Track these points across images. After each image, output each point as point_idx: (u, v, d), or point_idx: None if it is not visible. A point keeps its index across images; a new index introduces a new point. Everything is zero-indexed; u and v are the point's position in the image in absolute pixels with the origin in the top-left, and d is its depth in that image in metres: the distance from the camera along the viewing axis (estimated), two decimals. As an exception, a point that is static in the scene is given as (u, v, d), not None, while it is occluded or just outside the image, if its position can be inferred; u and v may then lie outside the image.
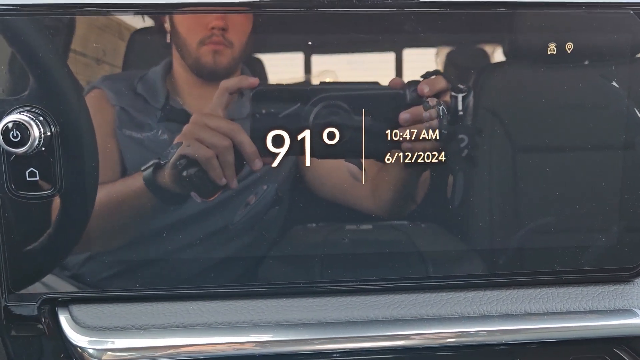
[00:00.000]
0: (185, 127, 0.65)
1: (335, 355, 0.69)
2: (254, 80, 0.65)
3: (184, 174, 0.66)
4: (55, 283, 0.67)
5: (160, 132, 0.65)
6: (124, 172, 0.65)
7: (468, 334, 0.69)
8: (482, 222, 0.70)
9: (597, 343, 0.72)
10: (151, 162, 0.65)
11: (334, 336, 0.68)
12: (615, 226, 0.72)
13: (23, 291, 0.67)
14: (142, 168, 0.65)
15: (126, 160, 0.65)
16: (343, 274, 0.70)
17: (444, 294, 0.72)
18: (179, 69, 0.65)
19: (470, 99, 0.67)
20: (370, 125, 0.67)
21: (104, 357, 0.65)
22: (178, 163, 0.66)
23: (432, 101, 0.67)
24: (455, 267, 0.71)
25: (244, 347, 0.67)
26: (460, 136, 0.68)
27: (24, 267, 0.67)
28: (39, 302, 0.67)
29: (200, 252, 0.68)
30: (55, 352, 0.68)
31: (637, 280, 0.75)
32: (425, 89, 0.66)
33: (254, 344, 0.67)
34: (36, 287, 0.67)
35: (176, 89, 0.65)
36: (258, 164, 0.67)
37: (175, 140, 0.65)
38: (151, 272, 0.68)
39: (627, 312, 0.72)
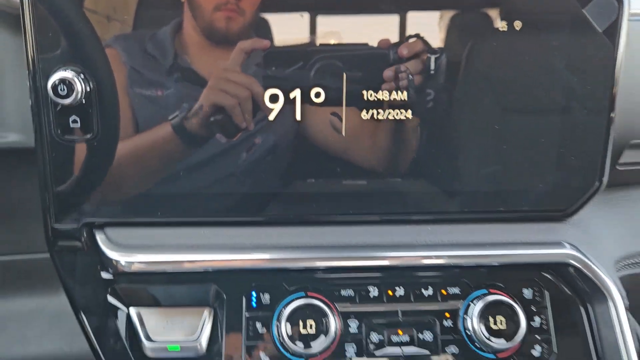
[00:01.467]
0: (211, 81, 0.79)
1: (319, 271, 0.86)
2: (266, 43, 0.79)
3: (211, 119, 0.81)
4: (92, 211, 0.83)
5: (179, 88, 0.80)
6: (151, 121, 0.80)
7: (428, 257, 0.86)
8: (441, 169, 0.85)
9: (531, 268, 0.89)
10: (177, 113, 0.80)
11: (319, 255, 0.85)
12: (551, 175, 0.87)
13: (67, 216, 0.84)
14: (170, 117, 0.80)
15: (151, 111, 0.80)
16: (329, 208, 0.86)
17: (410, 226, 0.88)
18: (190, 30, 0.78)
19: (439, 63, 0.81)
20: (349, 86, 0.81)
21: (132, 267, 0.82)
22: (205, 111, 0.80)
23: (405, 66, 0.80)
24: (420, 205, 0.87)
25: (244, 264, 0.84)
26: (426, 95, 0.82)
27: (67, 198, 0.83)
28: (80, 225, 0.84)
29: (211, 187, 0.84)
30: (92, 265, 0.85)
31: (568, 220, 0.91)
32: (404, 51, 0.80)
33: (253, 261, 0.84)
34: (77, 214, 0.83)
35: (188, 50, 0.79)
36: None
37: (204, 92, 0.79)
38: (171, 204, 0.84)
39: (558, 244, 0.88)
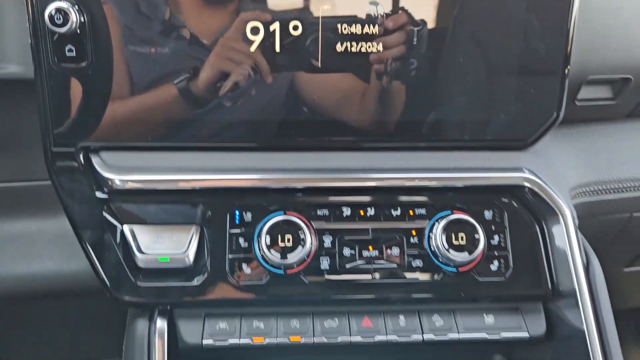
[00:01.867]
0: (216, 48, 0.86)
1: (297, 192, 0.94)
2: (267, 16, 0.85)
3: (218, 84, 0.88)
4: (87, 135, 0.90)
5: (170, 21, 0.86)
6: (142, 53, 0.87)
7: (398, 179, 0.94)
8: (410, 100, 0.92)
9: (492, 191, 0.96)
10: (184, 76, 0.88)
11: (297, 177, 0.93)
12: (512, 107, 0.94)
13: (64, 140, 0.91)
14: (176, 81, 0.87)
15: (139, 37, 0.87)
16: (308, 134, 0.93)
17: (381, 153, 0.95)
18: None
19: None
20: (325, 20, 0.87)
21: (125, 186, 0.90)
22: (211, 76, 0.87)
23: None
24: (390, 134, 0.94)
25: (228, 183, 0.92)
26: (396, 29, 0.89)
27: (64, 123, 0.89)
28: (77, 148, 0.91)
29: (200, 115, 0.91)
30: (89, 185, 0.93)
31: (528, 149, 0.98)
32: None
33: (237, 181, 0.92)
34: (74, 138, 0.90)
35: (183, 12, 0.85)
36: (270, 78, 0.89)
37: (210, 58, 0.86)
38: (161, 129, 0.91)
39: (517, 169, 0.96)
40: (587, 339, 0.90)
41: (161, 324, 0.91)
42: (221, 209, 0.94)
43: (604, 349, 0.90)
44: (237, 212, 0.93)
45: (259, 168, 0.93)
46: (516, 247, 0.95)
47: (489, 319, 0.96)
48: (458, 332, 0.94)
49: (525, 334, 0.95)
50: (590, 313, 0.91)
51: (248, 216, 0.93)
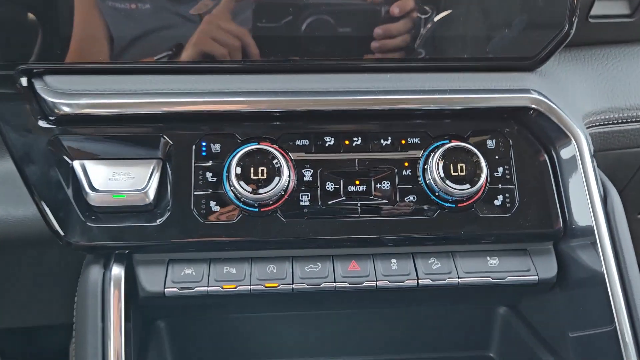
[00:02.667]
0: (201, 27, 0.76)
1: (272, 119, 0.82)
2: None
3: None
4: (29, 56, 0.78)
5: None
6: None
7: (387, 101, 0.82)
8: (407, 15, 0.80)
9: (495, 117, 0.84)
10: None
11: (274, 99, 0.80)
12: (518, 20, 0.82)
13: (2, 62, 0.78)
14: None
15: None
16: (294, 53, 0.81)
17: (372, 74, 0.83)
18: None
19: None
20: None
21: (75, 111, 0.78)
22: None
23: None
24: (385, 51, 0.82)
25: (193, 107, 0.79)
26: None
27: (1, 45, 0.77)
28: (17, 71, 0.78)
29: (161, 31, 0.79)
30: (32, 113, 0.80)
31: (537, 70, 0.86)
32: None
33: (203, 104, 0.79)
34: (13, 59, 0.78)
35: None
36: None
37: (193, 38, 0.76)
38: (115, 48, 0.78)
39: (524, 90, 0.84)
40: (607, 282, 0.78)
41: (118, 270, 0.79)
42: (185, 139, 0.81)
43: (626, 294, 0.79)
44: (203, 144, 0.81)
45: (228, 91, 0.81)
46: (523, 180, 0.84)
47: (493, 261, 0.84)
48: (458, 277, 0.82)
49: (534, 277, 0.83)
50: (609, 252, 0.80)
51: (216, 147, 0.81)
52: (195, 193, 0.80)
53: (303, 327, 0.97)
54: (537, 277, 0.83)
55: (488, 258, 0.84)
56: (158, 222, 0.79)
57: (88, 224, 0.79)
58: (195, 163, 0.81)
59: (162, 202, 0.80)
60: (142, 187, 0.80)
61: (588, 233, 0.82)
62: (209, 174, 0.80)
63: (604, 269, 0.80)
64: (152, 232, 0.79)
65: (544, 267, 0.85)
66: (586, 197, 0.82)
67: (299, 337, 0.98)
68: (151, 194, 0.80)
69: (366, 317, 0.99)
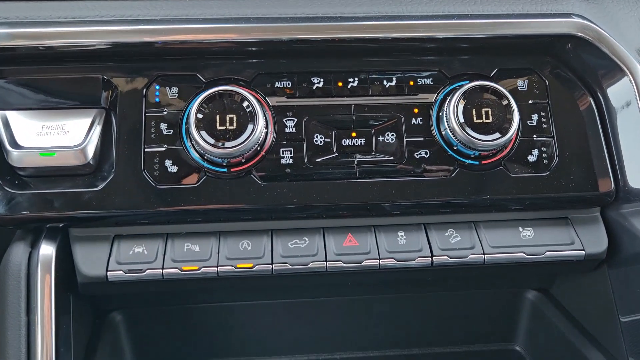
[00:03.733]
0: None
1: (244, 52, 0.64)
2: None
3: None
4: None
5: None
6: None
7: (399, 27, 0.64)
8: None
9: (528, 50, 0.67)
10: None
11: (247, 26, 0.62)
12: None
13: None
14: None
15: None
16: None
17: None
18: None
19: None
20: None
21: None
22: None
23: None
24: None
25: (145, 36, 0.62)
26: None
27: None
28: None
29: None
30: None
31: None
32: None
33: (155, 32, 0.62)
34: None
35: None
36: None
37: None
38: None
39: (565, 15, 0.66)
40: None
41: (47, 249, 0.62)
42: (134, 82, 0.64)
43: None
44: (157, 87, 0.64)
45: (189, 17, 0.63)
46: (563, 129, 0.66)
47: (527, 232, 0.67)
48: (484, 252, 0.65)
49: (579, 252, 0.66)
50: None
51: (173, 91, 0.64)
52: (146, 150, 0.62)
53: (287, 319, 0.80)
54: (583, 251, 0.66)
55: (520, 229, 0.67)
56: (99, 187, 0.62)
57: (10, 190, 0.62)
58: (146, 112, 0.63)
59: (105, 162, 0.63)
60: (79, 144, 0.62)
61: (648, 195, 0.65)
62: (164, 126, 0.63)
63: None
64: (92, 200, 0.62)
65: (591, 240, 0.67)
66: (646, 143, 0.65)
67: (283, 330, 0.81)
68: (90, 151, 0.62)
69: (364, 306, 0.81)
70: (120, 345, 0.78)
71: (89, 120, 0.64)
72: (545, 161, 0.65)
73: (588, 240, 0.67)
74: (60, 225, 0.63)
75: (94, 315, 0.74)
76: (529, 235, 0.67)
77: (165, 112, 0.63)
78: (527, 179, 0.65)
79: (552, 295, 0.82)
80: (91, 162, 0.62)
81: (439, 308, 0.83)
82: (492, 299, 0.85)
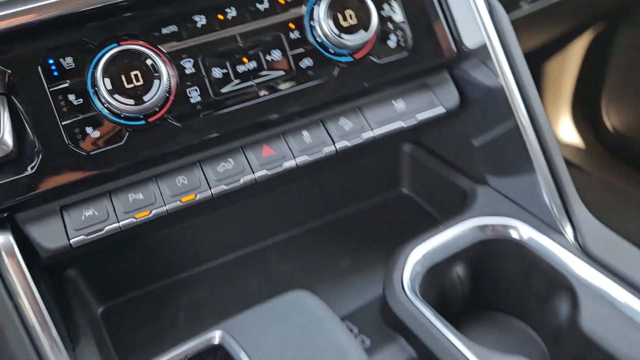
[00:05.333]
0: None
1: (125, 11, 0.67)
2: None
3: None
4: None
5: None
6: None
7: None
8: None
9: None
10: None
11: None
12: None
13: None
14: None
15: None
16: None
17: None
18: None
19: None
20: None
21: None
22: None
23: None
24: None
25: (19, 20, 0.63)
26: None
27: None
28: None
29: None
30: None
31: None
32: None
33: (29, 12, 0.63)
34: None
35: None
36: None
37: None
38: None
39: None
40: (507, 91, 0.81)
41: (5, 238, 0.66)
42: (25, 62, 0.65)
43: (526, 100, 0.82)
44: (50, 61, 0.66)
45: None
46: (410, 13, 0.80)
47: (400, 104, 0.82)
48: (372, 129, 0.80)
49: (441, 110, 0.84)
50: (504, 63, 0.81)
51: (68, 62, 0.66)
52: (63, 123, 0.66)
53: (226, 224, 0.92)
54: (443, 108, 0.84)
55: (394, 102, 0.82)
56: (30, 170, 0.65)
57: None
58: (49, 88, 0.65)
59: (26, 145, 0.66)
60: (5, 142, 0.64)
61: (481, 50, 0.82)
62: (71, 97, 0.66)
63: (501, 79, 0.82)
64: (28, 184, 0.65)
65: (447, 97, 0.85)
66: (473, 15, 0.81)
67: (224, 234, 0.93)
68: (8, 139, 0.64)
69: (284, 195, 0.95)
70: (84, 296, 0.85)
71: (-7, 111, 0.65)
72: (403, 44, 0.79)
73: (444, 98, 0.85)
74: (5, 215, 0.67)
75: (50, 281, 0.79)
76: (401, 107, 0.83)
77: (68, 84, 0.66)
78: (392, 62, 0.79)
79: (423, 143, 1.02)
80: (13, 149, 0.65)
81: (339, 180, 1.00)
82: (377, 160, 1.02)
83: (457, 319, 0.78)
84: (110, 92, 0.65)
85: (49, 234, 0.68)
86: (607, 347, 0.67)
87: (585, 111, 1.97)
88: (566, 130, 1.99)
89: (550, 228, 0.80)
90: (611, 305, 0.70)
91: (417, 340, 0.69)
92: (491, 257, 0.82)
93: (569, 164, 2.21)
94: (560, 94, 2.00)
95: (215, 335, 0.49)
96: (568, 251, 0.76)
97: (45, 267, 0.74)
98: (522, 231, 0.80)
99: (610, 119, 1.88)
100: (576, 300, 0.71)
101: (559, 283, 0.75)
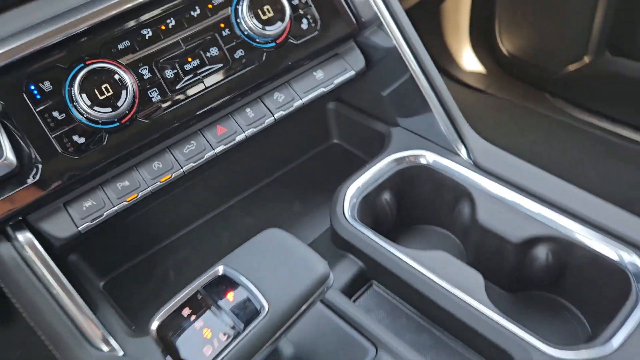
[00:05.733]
0: None
1: (83, 35, 0.82)
2: None
3: None
4: None
5: None
6: None
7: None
8: None
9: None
10: None
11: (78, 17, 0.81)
12: None
13: None
14: None
15: None
16: None
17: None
18: None
19: None
20: None
21: None
22: None
23: None
24: None
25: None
26: None
27: None
28: None
29: None
30: None
31: None
32: None
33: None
34: None
35: None
36: None
37: None
38: None
39: None
40: (399, 49, 1.02)
41: (25, 236, 0.81)
42: (11, 91, 0.79)
43: (415, 54, 1.03)
44: (32, 87, 0.80)
45: (25, 27, 0.78)
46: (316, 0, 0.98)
47: (319, 74, 1.02)
48: (301, 98, 0.99)
49: (352, 73, 1.04)
50: (394, 28, 1.02)
51: (47, 85, 0.80)
52: (53, 136, 0.81)
53: (196, 193, 1.10)
54: (354, 72, 1.04)
55: (314, 73, 1.02)
56: (33, 179, 0.80)
57: (-38, 211, 0.78)
58: (35, 109, 0.80)
59: (25, 159, 0.80)
60: (8, 159, 0.77)
61: (375, 19, 1.02)
62: (55, 113, 0.81)
63: (393, 40, 1.03)
64: (34, 191, 0.80)
65: (355, 62, 1.05)
66: (366, -7, 1.00)
67: (195, 202, 1.11)
68: (11, 157, 0.78)
69: (239, 162, 1.14)
70: (87, 274, 1.01)
71: (-9, 135, 0.79)
72: (313, 25, 0.97)
73: (353, 63, 1.05)
74: (20, 218, 0.82)
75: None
76: (321, 76, 1.02)
77: (50, 103, 0.81)
78: (307, 40, 0.97)
79: (344, 100, 1.22)
80: (17, 164, 0.79)
81: (282, 142, 1.19)
82: (308, 119, 1.22)
83: (389, 234, 1.00)
84: (88, 105, 0.80)
85: (60, 226, 0.84)
86: (498, 231, 0.91)
87: (482, 40, 2.21)
88: (469, 59, 2.23)
89: (450, 152, 1.03)
90: (499, 201, 0.94)
91: (362, 253, 0.91)
92: (409, 181, 1.04)
93: (474, 89, 2.49)
94: (459, 28, 2.23)
95: (219, 269, 0.67)
96: (464, 167, 0.99)
97: (55, 257, 0.89)
98: (429, 157, 1.02)
99: (504, 45, 2.14)
100: (474, 202, 0.95)
101: (461, 192, 0.98)
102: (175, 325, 0.63)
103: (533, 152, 1.62)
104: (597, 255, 0.86)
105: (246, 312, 0.62)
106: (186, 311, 0.63)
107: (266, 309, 0.62)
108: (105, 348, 0.80)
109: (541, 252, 0.89)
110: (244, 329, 0.61)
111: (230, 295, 0.64)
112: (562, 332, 0.89)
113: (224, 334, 0.61)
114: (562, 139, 1.90)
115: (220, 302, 0.63)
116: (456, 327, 0.82)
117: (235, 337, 0.61)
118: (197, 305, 0.64)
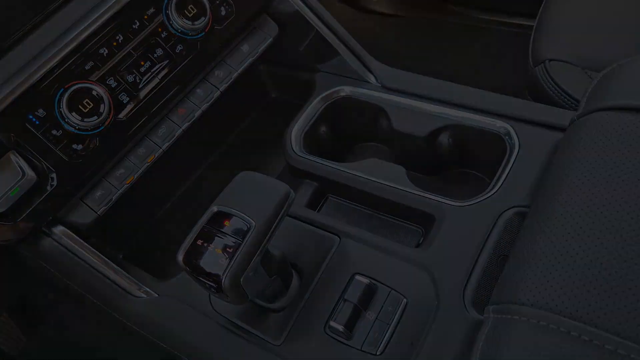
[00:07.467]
0: None
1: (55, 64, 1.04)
2: None
3: None
4: None
5: None
6: None
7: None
8: None
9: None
10: None
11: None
12: None
13: None
14: None
15: None
16: None
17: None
18: None
19: None
20: None
21: None
22: None
23: None
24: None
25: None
26: None
27: None
28: None
29: None
30: None
31: None
32: None
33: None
34: None
35: None
36: None
37: None
38: None
39: None
40: (300, 10, 1.27)
41: (59, 229, 1.06)
42: (17, 123, 1.00)
43: (313, 11, 1.28)
44: (30, 116, 1.01)
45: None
46: (231, -11, 1.21)
47: (245, 47, 1.26)
48: (236, 70, 1.24)
49: (270, 39, 1.29)
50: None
51: (41, 112, 1.02)
52: (57, 149, 1.03)
53: (175, 166, 1.34)
54: (271, 37, 1.28)
55: (241, 47, 1.26)
56: (51, 187, 1.02)
57: (15, 223, 1.01)
58: (38, 132, 1.01)
59: (42, 172, 1.03)
60: (29, 176, 0.99)
61: None
62: (54, 131, 1.02)
63: (296, 6, 1.28)
64: (55, 195, 1.03)
65: (271, 30, 1.29)
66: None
67: (176, 172, 1.37)
68: (31, 173, 0.99)
69: (201, 134, 1.38)
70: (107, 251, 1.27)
71: (14, 162, 0.99)
72: (230, 9, 1.20)
73: (270, 31, 1.28)
74: (50, 218, 1.06)
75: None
76: (247, 48, 1.26)
77: (48, 125, 1.02)
78: (228, 23, 1.20)
79: (271, 60, 1.46)
80: (37, 178, 1.02)
81: (231, 108, 1.42)
82: (248, 83, 1.46)
83: (332, 156, 1.28)
84: (79, 119, 1.03)
85: (82, 214, 1.09)
86: (409, 131, 1.19)
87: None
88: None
89: (363, 81, 1.30)
90: (406, 109, 1.22)
91: (314, 175, 1.19)
92: (338, 112, 1.31)
93: (386, 15, 2.70)
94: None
95: (214, 208, 0.93)
96: (375, 91, 1.26)
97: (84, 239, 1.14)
98: (347, 90, 1.29)
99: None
100: (388, 115, 1.23)
101: (377, 110, 1.25)
102: (195, 252, 0.88)
103: (438, 61, 1.91)
104: (482, 130, 1.15)
105: (241, 231, 0.89)
106: (200, 242, 0.89)
107: (254, 225, 0.89)
108: (142, 295, 1.07)
109: (444, 139, 1.19)
110: (242, 242, 0.88)
111: (227, 223, 0.90)
112: (473, 192, 1.20)
113: (230, 248, 0.88)
114: (466, 42, 2.20)
115: (222, 230, 0.90)
116: (392, 207, 1.12)
117: (237, 248, 0.87)
118: (206, 236, 0.89)
